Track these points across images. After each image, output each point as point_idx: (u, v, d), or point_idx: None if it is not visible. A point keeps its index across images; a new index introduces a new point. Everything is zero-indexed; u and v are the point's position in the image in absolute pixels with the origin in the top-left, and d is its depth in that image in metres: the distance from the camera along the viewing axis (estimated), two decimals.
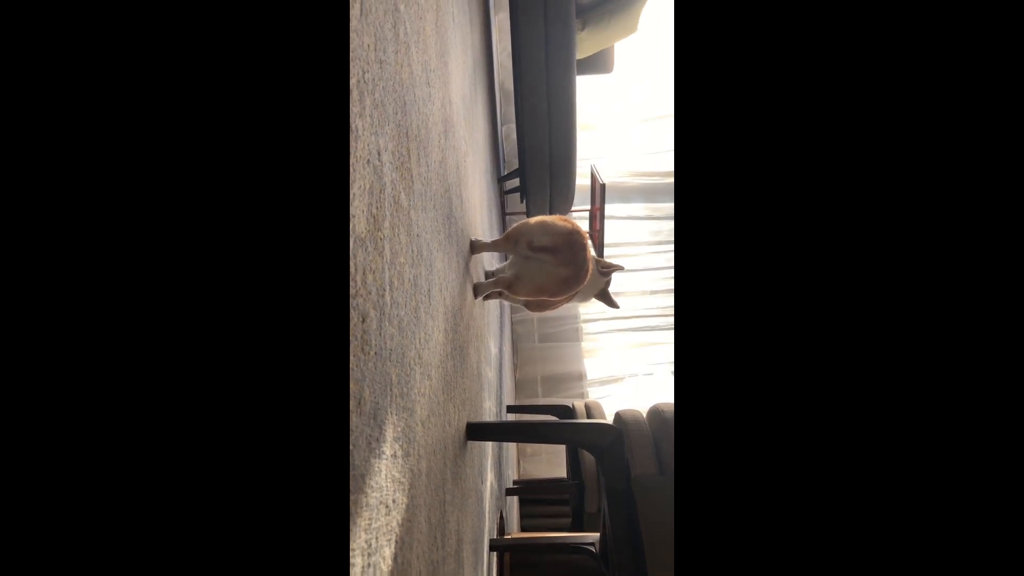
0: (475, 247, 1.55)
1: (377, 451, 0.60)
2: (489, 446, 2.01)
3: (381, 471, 0.62)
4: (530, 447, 5.01)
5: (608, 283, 1.60)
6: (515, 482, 3.59)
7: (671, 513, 1.41)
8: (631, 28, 3.63)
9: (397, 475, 0.68)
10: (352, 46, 0.58)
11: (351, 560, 0.51)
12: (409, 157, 0.85)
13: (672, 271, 5.36)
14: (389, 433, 0.65)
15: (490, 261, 1.90)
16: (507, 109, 4.53)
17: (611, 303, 1.62)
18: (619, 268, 1.58)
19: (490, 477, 1.98)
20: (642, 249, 5.44)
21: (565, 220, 1.48)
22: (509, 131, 4.62)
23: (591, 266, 1.47)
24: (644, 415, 1.50)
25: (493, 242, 1.57)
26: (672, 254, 5.37)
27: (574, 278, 1.43)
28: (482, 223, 2.17)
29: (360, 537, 0.54)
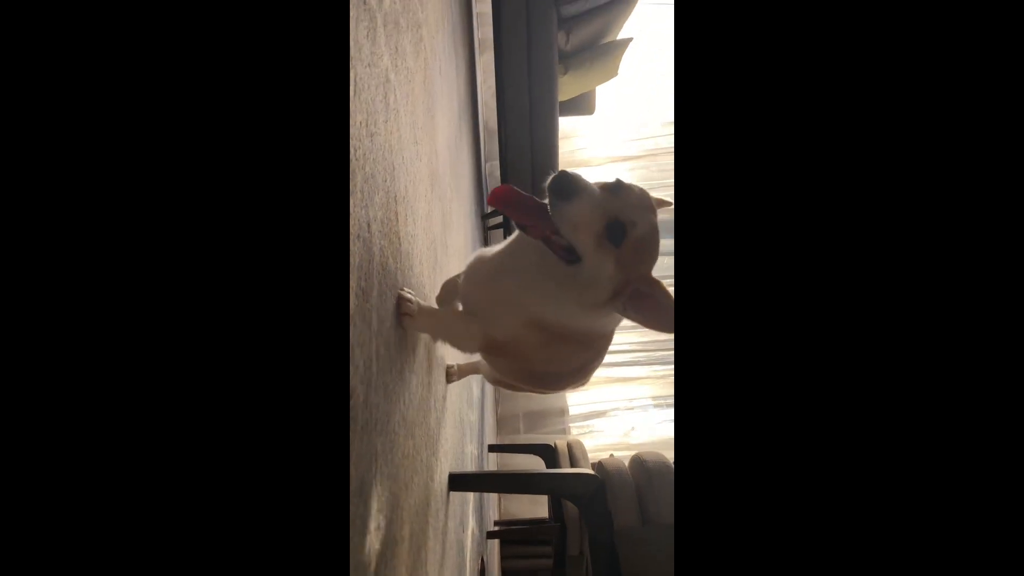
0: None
1: (361, 528, 0.60)
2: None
3: (364, 547, 0.61)
4: None
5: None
6: (496, 523, 3.52)
7: (653, 563, 1.41)
8: (612, 73, 3.73)
9: (379, 547, 0.68)
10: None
11: None
12: (397, 220, 0.86)
13: None
14: (374, 506, 0.65)
15: None
16: (491, 146, 4.59)
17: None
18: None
19: (471, 524, 1.95)
20: None
21: None
22: (492, 168, 4.67)
23: None
24: (627, 464, 1.50)
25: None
26: None
27: None
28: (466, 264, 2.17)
29: None
